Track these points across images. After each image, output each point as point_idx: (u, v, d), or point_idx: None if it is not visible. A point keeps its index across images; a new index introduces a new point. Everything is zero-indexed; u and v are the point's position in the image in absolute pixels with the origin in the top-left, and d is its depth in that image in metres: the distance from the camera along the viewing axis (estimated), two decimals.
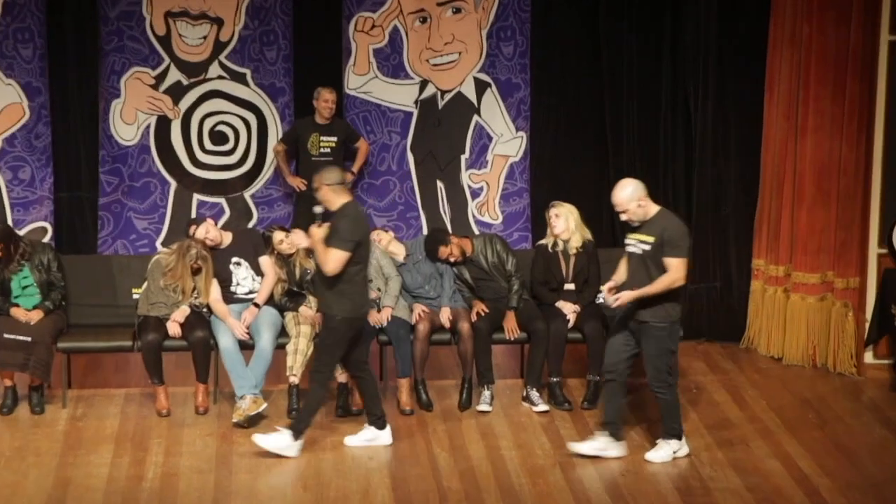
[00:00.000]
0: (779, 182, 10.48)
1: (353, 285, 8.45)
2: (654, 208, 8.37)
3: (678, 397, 8.62)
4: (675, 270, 8.26)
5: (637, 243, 8.37)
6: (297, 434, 8.60)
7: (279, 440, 8.59)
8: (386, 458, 8.65)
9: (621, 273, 8.52)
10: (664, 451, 8.58)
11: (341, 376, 9.35)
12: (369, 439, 8.76)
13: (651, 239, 8.29)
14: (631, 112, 10.91)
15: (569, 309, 9.64)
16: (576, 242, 9.71)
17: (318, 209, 8.52)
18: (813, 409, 9.57)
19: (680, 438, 8.63)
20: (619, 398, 8.60)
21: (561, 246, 9.74)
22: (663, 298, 8.30)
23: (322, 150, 10.76)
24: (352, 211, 8.49)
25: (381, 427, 8.78)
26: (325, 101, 10.68)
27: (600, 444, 8.59)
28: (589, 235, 9.82)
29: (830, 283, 10.34)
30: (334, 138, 10.76)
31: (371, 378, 8.79)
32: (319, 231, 8.39)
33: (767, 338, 10.62)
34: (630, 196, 8.30)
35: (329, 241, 8.35)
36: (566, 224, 9.68)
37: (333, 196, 8.49)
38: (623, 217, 8.39)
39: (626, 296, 8.31)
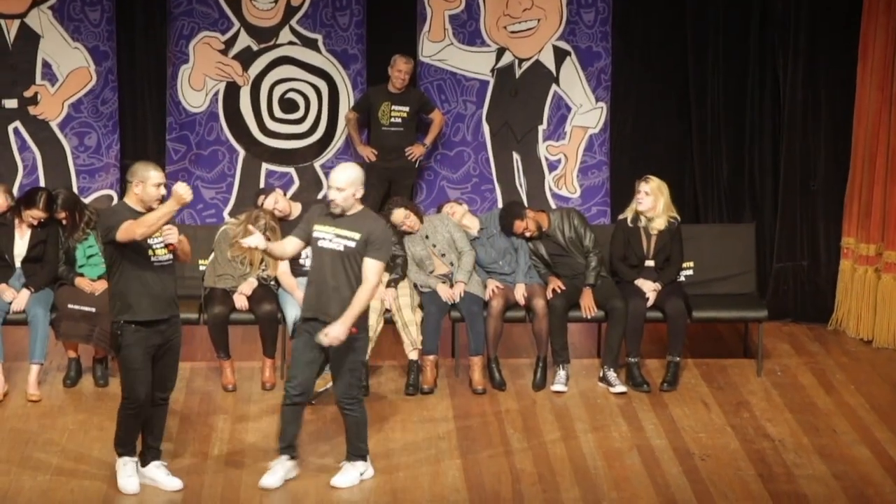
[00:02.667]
0: (871, 156, 10.28)
1: None
2: (360, 205, 7.77)
3: (367, 414, 8.02)
4: (375, 274, 7.67)
5: (334, 237, 7.63)
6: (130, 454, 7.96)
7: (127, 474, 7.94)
8: (457, 439, 8.58)
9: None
10: (351, 475, 7.93)
11: (412, 353, 9.31)
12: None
13: (357, 235, 7.64)
14: (716, 82, 10.80)
15: (649, 287, 9.46)
16: (659, 224, 9.55)
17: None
18: None
19: (366, 459, 7.99)
20: (300, 421, 7.88)
21: (643, 222, 9.58)
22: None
23: (393, 119, 10.72)
24: None
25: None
26: (398, 70, 10.63)
27: (281, 471, 7.91)
28: (675, 214, 9.65)
29: None
30: (406, 108, 10.72)
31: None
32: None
33: (857, 319, 10.46)
34: (353, 180, 7.61)
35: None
36: (654, 203, 9.54)
37: None
38: (332, 196, 7.63)
39: (337, 332, 7.57)
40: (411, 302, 9.41)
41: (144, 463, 7.90)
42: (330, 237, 7.64)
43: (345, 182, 7.61)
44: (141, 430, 7.84)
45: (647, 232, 9.58)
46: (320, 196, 10.89)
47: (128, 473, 7.79)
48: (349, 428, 7.91)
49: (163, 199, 7.60)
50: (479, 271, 9.63)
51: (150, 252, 7.59)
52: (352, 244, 7.62)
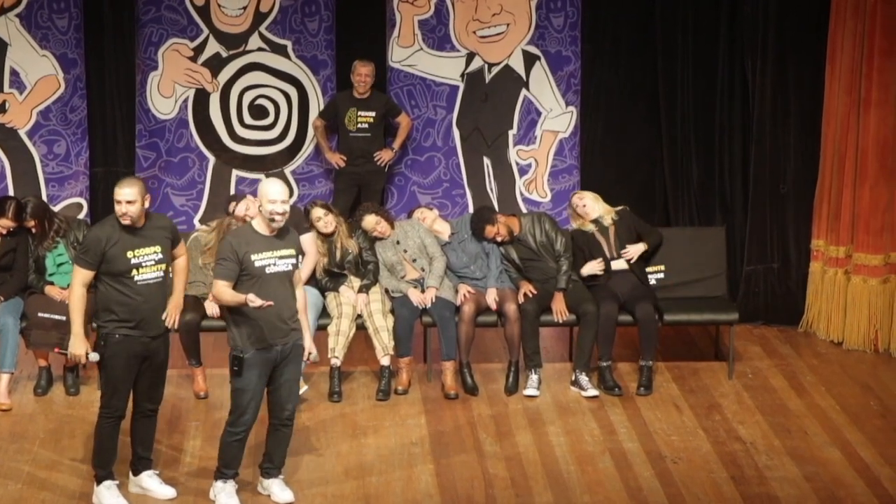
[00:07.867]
0: (840, 159, 10.29)
1: None
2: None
3: None
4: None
5: (278, 260, 7.40)
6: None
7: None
8: (430, 445, 8.56)
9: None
10: (284, 486, 7.87)
11: (384, 359, 9.30)
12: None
13: (294, 251, 7.53)
14: (686, 86, 10.79)
15: (627, 255, 9.59)
16: (609, 217, 9.64)
17: None
18: (874, 396, 9.41)
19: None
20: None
21: (594, 226, 9.62)
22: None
23: (360, 125, 10.72)
24: None
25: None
26: (359, 74, 10.64)
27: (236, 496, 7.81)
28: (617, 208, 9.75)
29: (894, 264, 10.19)
30: (372, 113, 10.70)
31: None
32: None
33: (827, 321, 10.47)
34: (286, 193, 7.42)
35: None
36: (594, 205, 9.64)
37: None
38: (279, 209, 7.33)
39: (312, 344, 7.69)
40: (383, 307, 9.40)
41: (136, 472, 7.87)
42: (273, 261, 7.43)
43: (286, 196, 7.39)
44: (131, 442, 7.81)
45: (603, 232, 9.60)
46: (291, 202, 10.88)
47: (114, 496, 7.67)
48: (285, 440, 7.76)
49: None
50: (450, 276, 9.62)
51: (135, 271, 7.45)
52: (294, 261, 7.52)
